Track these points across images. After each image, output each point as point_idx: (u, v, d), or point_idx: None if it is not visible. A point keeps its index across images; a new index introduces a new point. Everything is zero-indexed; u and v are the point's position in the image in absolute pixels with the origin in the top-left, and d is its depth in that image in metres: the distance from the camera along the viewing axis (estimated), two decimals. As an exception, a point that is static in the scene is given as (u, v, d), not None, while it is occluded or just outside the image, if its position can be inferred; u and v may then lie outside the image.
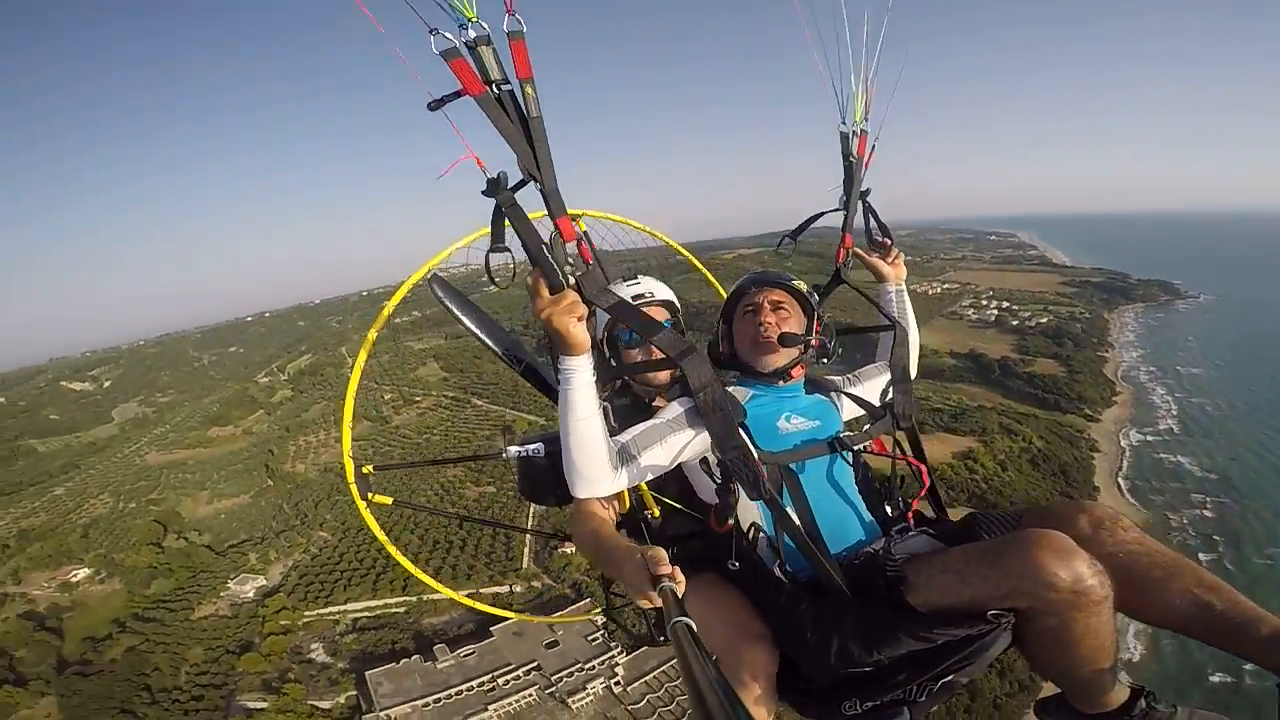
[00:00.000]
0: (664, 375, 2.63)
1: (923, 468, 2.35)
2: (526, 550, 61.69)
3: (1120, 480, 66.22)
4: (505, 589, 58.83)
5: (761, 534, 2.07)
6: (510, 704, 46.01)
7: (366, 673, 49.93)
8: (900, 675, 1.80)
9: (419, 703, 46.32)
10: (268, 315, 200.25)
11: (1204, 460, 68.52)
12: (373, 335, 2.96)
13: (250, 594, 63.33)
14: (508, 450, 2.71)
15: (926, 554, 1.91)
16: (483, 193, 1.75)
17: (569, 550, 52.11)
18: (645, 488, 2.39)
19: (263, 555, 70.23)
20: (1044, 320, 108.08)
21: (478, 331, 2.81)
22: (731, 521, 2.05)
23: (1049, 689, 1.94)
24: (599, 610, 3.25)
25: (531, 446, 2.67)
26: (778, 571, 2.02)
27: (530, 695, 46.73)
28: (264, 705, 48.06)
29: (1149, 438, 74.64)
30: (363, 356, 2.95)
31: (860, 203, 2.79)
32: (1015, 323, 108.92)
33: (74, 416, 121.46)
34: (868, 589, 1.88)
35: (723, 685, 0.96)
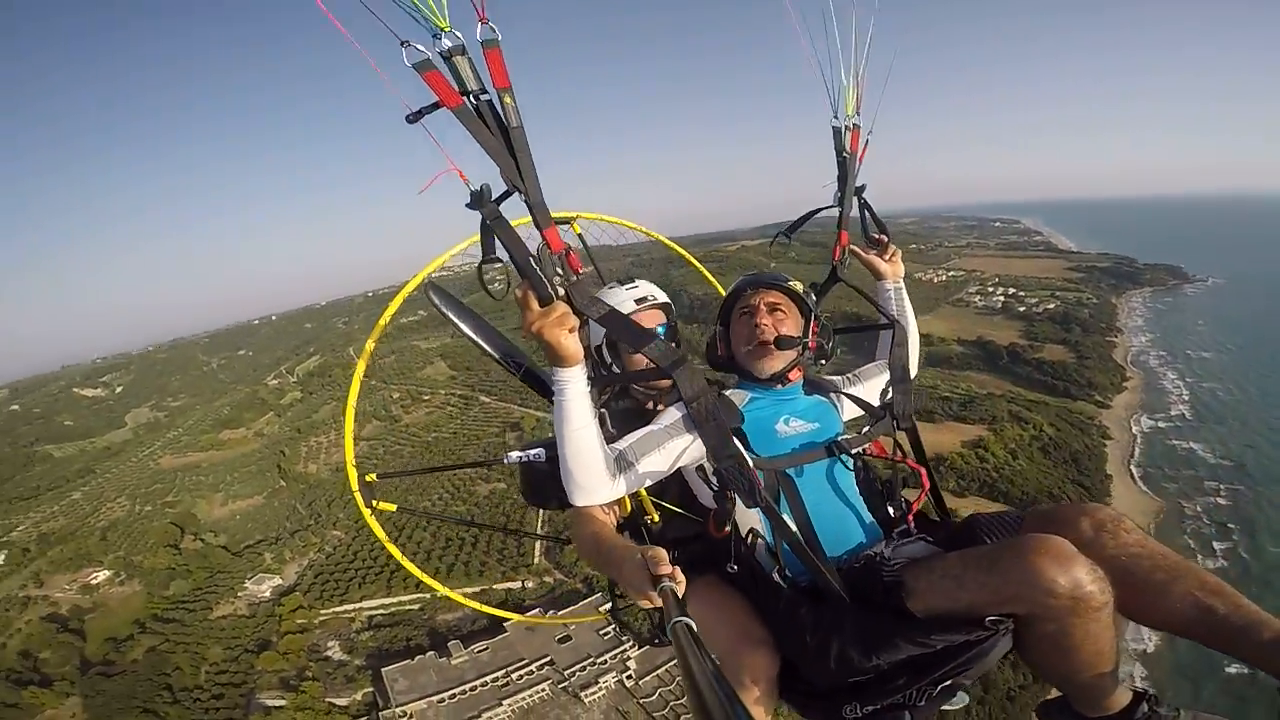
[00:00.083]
0: (665, 380, 2.63)
1: (923, 471, 2.34)
2: (538, 546, 61.97)
3: (1133, 468, 65.08)
4: (517, 585, 59.40)
5: (760, 539, 2.07)
6: (524, 699, 46.43)
7: (383, 669, 50.48)
8: (900, 679, 1.79)
9: (434, 698, 46.80)
10: (274, 318, 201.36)
11: (1217, 447, 67.38)
12: (370, 346, 2.97)
13: (267, 593, 64.19)
14: (509, 456, 2.72)
15: (925, 559, 1.91)
16: (466, 205, 1.71)
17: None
18: (645, 493, 2.38)
19: (278, 555, 71.10)
20: (1051, 306, 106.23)
21: (475, 337, 2.79)
22: (729, 527, 2.04)
23: (1053, 690, 1.93)
24: (605, 610, 3.25)
25: (533, 452, 2.69)
26: (776, 576, 2.02)
27: (544, 690, 47.13)
28: (283, 703, 48.72)
29: (1161, 424, 73.47)
30: (361, 367, 2.96)
31: (856, 199, 2.75)
32: (1022, 309, 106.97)
33: (88, 422, 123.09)
34: (866, 594, 1.88)
35: (722, 685, 0.96)
